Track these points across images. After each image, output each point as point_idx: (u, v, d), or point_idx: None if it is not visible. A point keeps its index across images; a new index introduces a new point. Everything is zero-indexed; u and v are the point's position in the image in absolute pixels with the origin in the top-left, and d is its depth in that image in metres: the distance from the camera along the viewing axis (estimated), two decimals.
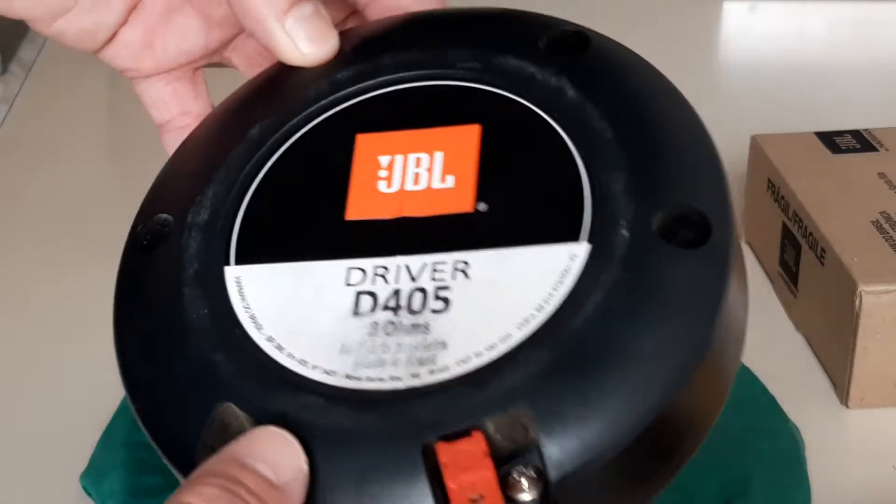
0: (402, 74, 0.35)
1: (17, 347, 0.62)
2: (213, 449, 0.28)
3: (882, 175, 0.61)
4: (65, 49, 0.41)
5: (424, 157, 0.33)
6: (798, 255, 0.59)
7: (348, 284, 0.31)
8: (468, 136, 0.33)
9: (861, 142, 0.64)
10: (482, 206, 0.32)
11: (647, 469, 0.29)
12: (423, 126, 0.34)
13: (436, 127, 0.34)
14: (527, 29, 0.35)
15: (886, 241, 0.55)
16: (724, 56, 0.96)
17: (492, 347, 0.29)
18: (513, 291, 0.30)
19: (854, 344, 0.53)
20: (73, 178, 0.78)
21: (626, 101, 0.33)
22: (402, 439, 0.28)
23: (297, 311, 0.31)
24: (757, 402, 0.54)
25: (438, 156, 0.33)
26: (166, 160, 0.37)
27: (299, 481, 0.28)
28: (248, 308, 0.31)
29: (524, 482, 0.27)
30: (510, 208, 0.32)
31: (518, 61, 0.34)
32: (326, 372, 0.30)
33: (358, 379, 0.29)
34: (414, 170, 0.33)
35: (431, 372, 0.29)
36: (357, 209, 0.33)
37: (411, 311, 0.30)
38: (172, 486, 0.28)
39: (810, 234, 0.57)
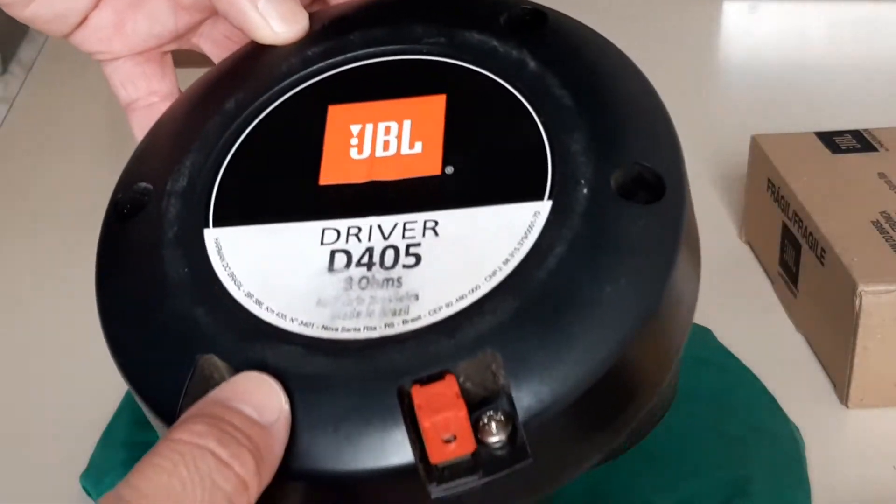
0: (371, 49, 0.36)
1: (16, 347, 0.62)
2: (195, 399, 0.29)
3: (882, 175, 0.61)
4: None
5: (393, 125, 0.34)
6: (798, 255, 0.59)
7: (323, 244, 0.32)
8: (435, 106, 0.35)
9: (861, 142, 0.64)
10: (449, 170, 0.33)
11: (606, 415, 0.30)
12: (392, 97, 0.35)
13: (404, 98, 0.35)
14: (488, 7, 0.36)
15: (886, 241, 0.55)
16: (724, 56, 0.96)
17: (462, 298, 0.30)
18: (480, 246, 0.31)
19: (854, 344, 0.53)
20: (73, 177, 0.78)
21: (584, 70, 0.34)
22: (378, 383, 0.29)
23: (274, 269, 0.32)
24: (757, 402, 0.54)
25: (407, 124, 0.34)
26: (137, 143, 0.38)
27: (282, 421, 0.29)
28: (228, 267, 0.32)
29: (493, 426, 0.29)
30: (476, 170, 0.33)
31: (481, 36, 0.35)
32: (304, 324, 0.31)
33: (334, 329, 0.30)
34: (384, 137, 0.34)
35: (405, 321, 0.30)
36: (330, 174, 0.34)
37: (384, 267, 0.31)
38: None
39: (810, 234, 0.57)
